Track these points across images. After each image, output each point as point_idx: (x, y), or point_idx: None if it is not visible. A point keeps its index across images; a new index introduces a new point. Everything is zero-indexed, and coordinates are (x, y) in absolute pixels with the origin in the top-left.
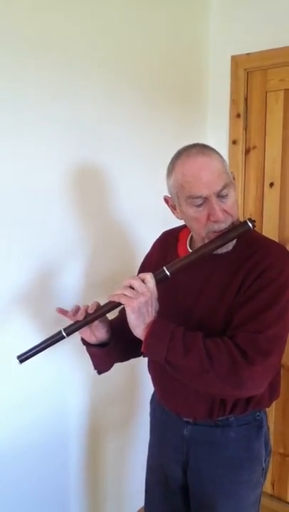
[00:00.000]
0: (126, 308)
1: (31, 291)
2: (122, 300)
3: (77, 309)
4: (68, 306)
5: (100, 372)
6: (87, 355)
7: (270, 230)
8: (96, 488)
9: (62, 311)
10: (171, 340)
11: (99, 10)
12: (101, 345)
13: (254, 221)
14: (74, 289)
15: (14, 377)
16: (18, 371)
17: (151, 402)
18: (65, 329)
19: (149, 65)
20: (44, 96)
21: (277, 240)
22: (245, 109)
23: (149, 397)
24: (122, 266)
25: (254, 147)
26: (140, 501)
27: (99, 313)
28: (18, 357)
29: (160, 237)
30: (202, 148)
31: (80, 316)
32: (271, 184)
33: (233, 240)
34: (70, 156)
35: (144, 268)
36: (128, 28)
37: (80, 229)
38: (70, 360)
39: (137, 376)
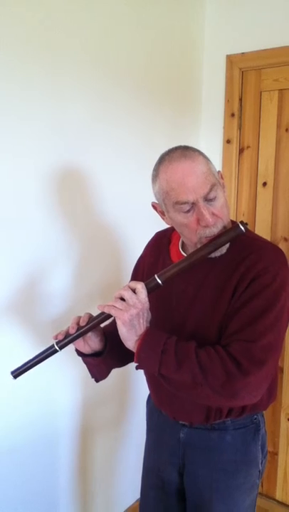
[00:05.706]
0: (117, 322)
1: (18, 300)
2: (112, 312)
3: (76, 322)
4: (57, 313)
5: (97, 381)
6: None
7: (262, 229)
8: (85, 487)
9: (58, 336)
10: (163, 354)
11: (92, 8)
12: (96, 354)
13: (246, 224)
14: (63, 295)
15: (4, 377)
16: (8, 372)
17: (148, 402)
18: (57, 343)
19: (143, 63)
20: (30, 94)
21: (269, 240)
22: (239, 109)
23: (142, 397)
24: (112, 270)
25: (248, 147)
26: (129, 501)
27: (91, 325)
28: (12, 372)
29: (153, 237)
30: (184, 151)
31: (72, 330)
32: (264, 184)
33: (225, 244)
34: (58, 157)
35: (137, 271)
36: (122, 26)
37: (68, 233)
38: (61, 359)
39: (129, 376)
